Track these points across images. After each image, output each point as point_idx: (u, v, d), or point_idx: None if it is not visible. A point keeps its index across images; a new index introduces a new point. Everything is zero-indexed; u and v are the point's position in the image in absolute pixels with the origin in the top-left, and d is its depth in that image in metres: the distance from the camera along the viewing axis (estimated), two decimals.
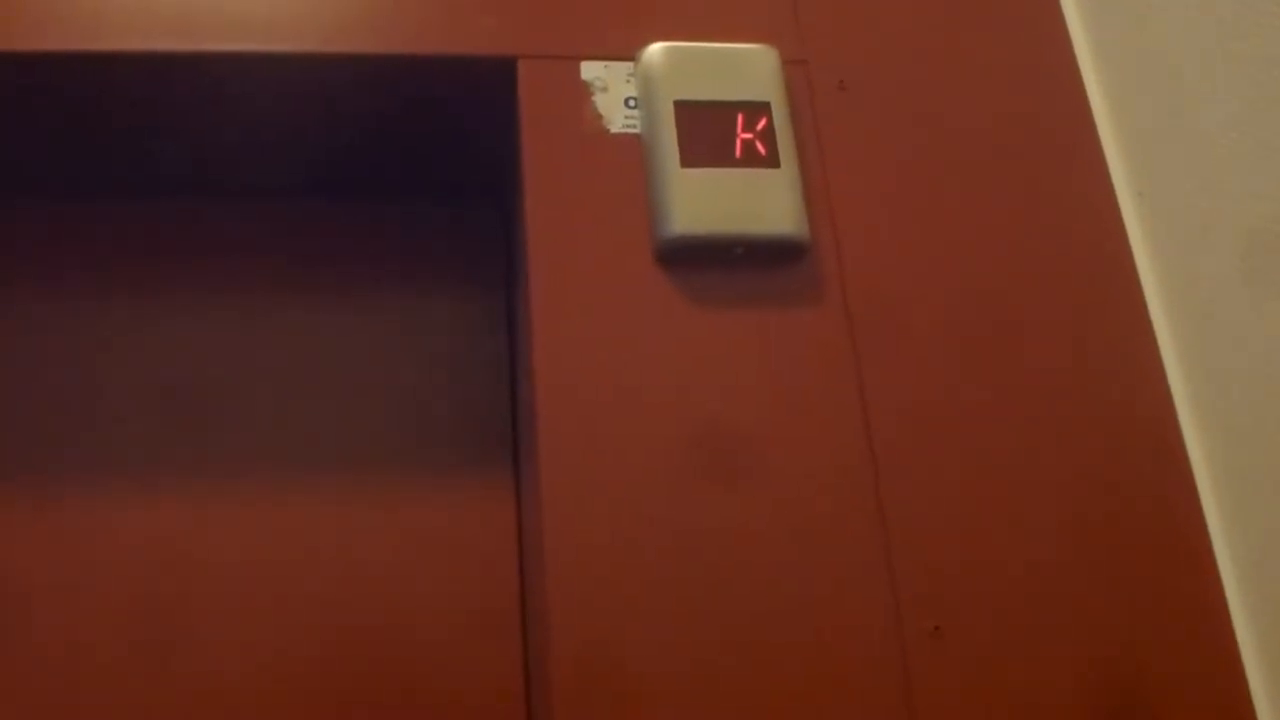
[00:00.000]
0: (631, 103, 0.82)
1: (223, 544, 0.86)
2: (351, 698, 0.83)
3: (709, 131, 0.78)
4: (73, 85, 0.83)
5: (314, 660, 0.83)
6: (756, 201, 0.78)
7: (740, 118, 0.79)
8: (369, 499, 0.88)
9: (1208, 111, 0.78)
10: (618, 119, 0.81)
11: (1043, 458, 0.77)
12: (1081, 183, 0.87)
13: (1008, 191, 0.85)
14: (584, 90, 0.82)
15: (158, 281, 0.93)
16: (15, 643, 0.82)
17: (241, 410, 0.90)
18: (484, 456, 0.91)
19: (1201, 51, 0.79)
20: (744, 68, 0.81)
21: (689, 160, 0.77)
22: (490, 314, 0.96)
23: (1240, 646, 0.75)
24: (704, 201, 0.77)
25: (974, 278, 0.81)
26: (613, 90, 0.82)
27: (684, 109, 0.79)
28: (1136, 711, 0.72)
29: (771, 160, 0.79)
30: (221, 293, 0.94)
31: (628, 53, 0.83)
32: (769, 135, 0.79)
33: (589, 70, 0.82)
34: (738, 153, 0.78)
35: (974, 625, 0.72)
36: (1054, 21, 0.92)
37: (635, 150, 0.80)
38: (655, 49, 0.81)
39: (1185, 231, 0.81)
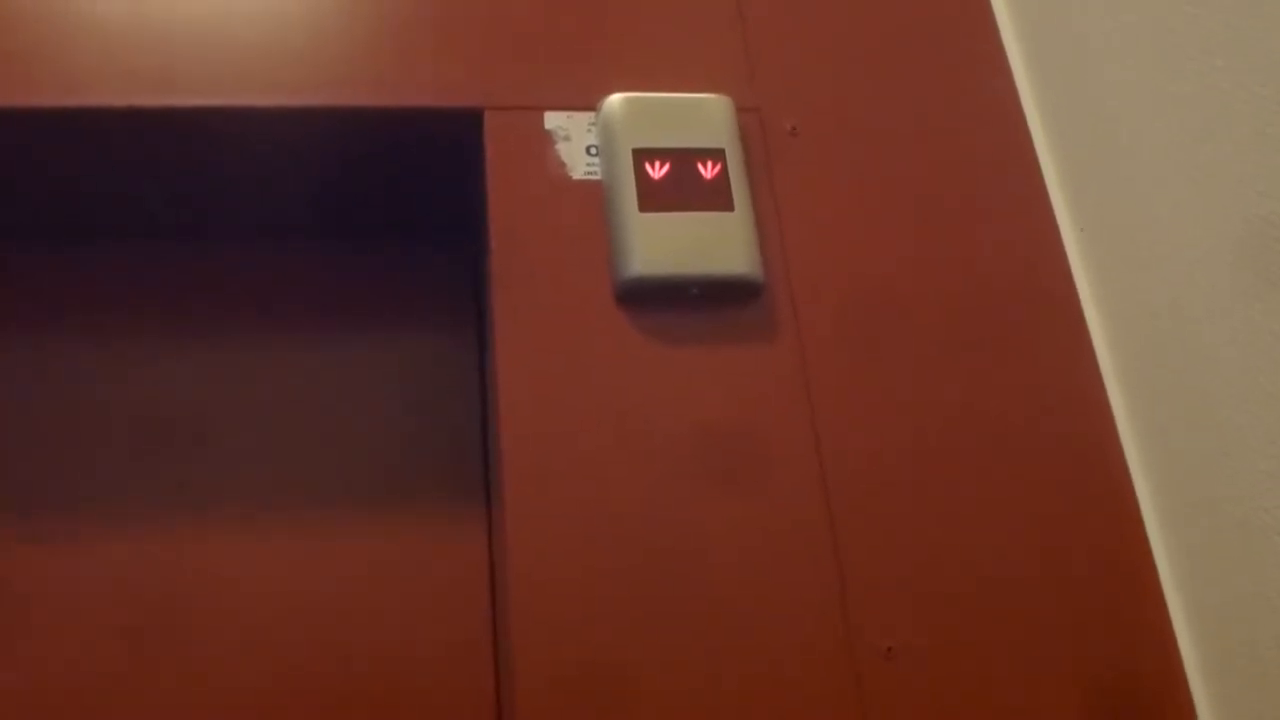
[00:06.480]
0: (593, 150, 0.85)
1: (201, 577, 0.88)
2: None
3: (666, 177, 0.82)
4: (58, 138, 0.86)
5: (288, 691, 0.85)
6: (712, 243, 0.81)
7: (696, 164, 0.83)
8: (345, 532, 0.90)
9: (1145, 149, 0.82)
10: (580, 166, 0.85)
11: (993, 483, 0.80)
12: (1026, 220, 0.90)
13: (954, 230, 0.88)
14: (547, 139, 0.85)
15: (135, 323, 0.96)
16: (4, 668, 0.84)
17: (217, 446, 0.92)
18: (457, 491, 0.93)
19: (1139, 92, 0.82)
20: (699, 116, 0.85)
21: (647, 205, 0.81)
22: (463, 353, 0.99)
23: (1183, 657, 0.78)
24: (662, 244, 0.80)
25: (922, 314, 0.85)
26: (575, 139, 0.85)
27: (642, 156, 0.83)
28: None
29: (726, 204, 0.82)
30: (199, 334, 0.96)
31: (589, 103, 0.86)
32: (723, 180, 0.83)
33: (552, 120, 0.86)
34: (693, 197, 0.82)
35: (927, 646, 0.75)
36: (998, 65, 0.96)
37: (596, 196, 0.84)
38: (615, 100, 0.85)
39: (1125, 265, 0.85)
